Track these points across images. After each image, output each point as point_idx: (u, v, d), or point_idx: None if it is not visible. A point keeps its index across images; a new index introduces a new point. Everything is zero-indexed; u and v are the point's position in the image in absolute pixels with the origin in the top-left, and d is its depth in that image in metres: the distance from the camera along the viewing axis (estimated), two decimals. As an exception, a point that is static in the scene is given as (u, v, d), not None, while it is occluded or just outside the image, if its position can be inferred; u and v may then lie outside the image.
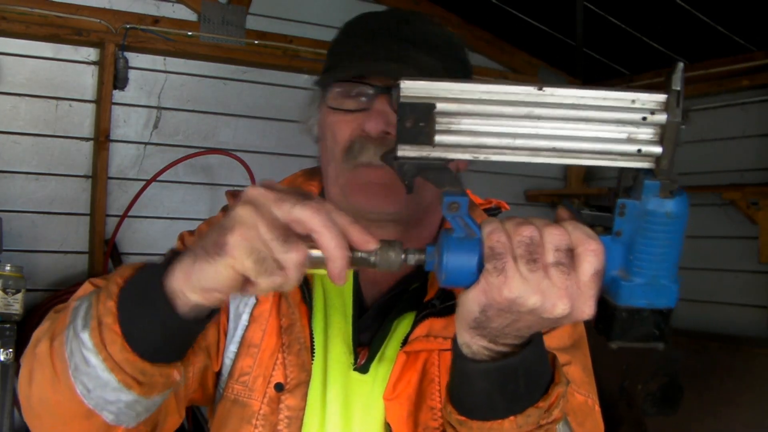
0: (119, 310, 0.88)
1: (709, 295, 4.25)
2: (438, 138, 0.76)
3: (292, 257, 0.76)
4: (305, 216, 0.77)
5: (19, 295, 2.95)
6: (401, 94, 0.75)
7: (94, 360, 0.88)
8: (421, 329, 1.12)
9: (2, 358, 2.86)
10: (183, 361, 0.95)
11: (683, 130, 0.75)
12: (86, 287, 1.12)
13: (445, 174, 0.78)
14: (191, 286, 0.83)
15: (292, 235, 0.77)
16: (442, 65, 1.12)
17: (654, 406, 4.00)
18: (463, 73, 1.18)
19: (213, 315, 0.91)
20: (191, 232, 1.28)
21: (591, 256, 0.76)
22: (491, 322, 0.81)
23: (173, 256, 0.87)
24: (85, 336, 0.88)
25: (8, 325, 2.88)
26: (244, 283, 0.80)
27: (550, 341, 1.14)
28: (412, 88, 0.75)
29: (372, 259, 0.81)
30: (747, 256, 4.05)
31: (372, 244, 0.80)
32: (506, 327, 0.82)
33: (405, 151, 0.77)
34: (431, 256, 0.82)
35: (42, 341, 0.97)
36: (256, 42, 3.94)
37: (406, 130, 0.76)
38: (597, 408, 1.16)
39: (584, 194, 4.69)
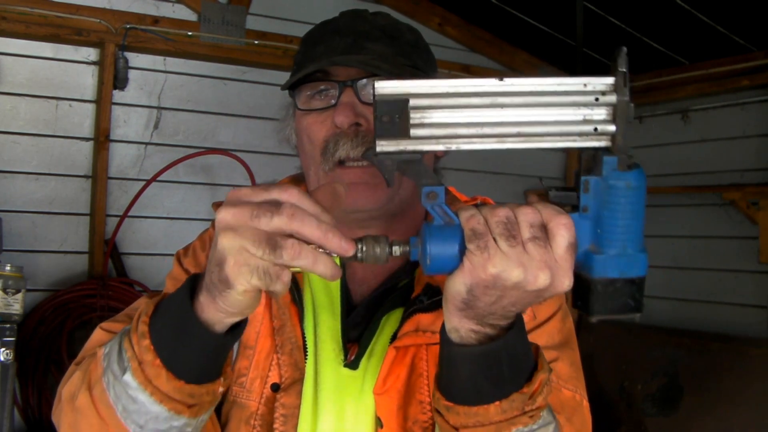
0: (155, 346, 0.93)
1: (709, 295, 4.26)
2: (413, 131, 0.81)
3: (288, 255, 0.80)
4: (283, 224, 0.81)
5: (19, 295, 2.96)
6: (377, 93, 0.81)
7: (142, 396, 0.93)
8: (410, 325, 1.15)
9: (2, 358, 2.87)
10: (223, 375, 0.99)
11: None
12: (99, 335, 1.17)
13: (422, 167, 0.83)
14: (225, 313, 0.89)
15: (278, 237, 0.81)
16: (392, 51, 1.19)
17: (654, 406, 4.00)
18: (416, 56, 1.23)
19: (245, 323, 0.96)
20: (186, 251, 1.32)
21: (563, 229, 0.82)
22: (478, 300, 0.85)
23: (189, 284, 0.93)
24: (128, 377, 0.94)
25: (8, 325, 2.89)
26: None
27: (540, 339, 1.17)
28: (387, 86, 0.81)
29: (359, 254, 0.85)
30: (747, 256, 4.06)
31: (351, 251, 0.84)
32: (493, 304, 0.85)
33: (383, 147, 0.82)
34: (415, 245, 0.87)
35: (79, 394, 1.01)
36: (256, 42, 3.96)
37: (384, 126, 0.81)
38: (585, 403, 1.18)
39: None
